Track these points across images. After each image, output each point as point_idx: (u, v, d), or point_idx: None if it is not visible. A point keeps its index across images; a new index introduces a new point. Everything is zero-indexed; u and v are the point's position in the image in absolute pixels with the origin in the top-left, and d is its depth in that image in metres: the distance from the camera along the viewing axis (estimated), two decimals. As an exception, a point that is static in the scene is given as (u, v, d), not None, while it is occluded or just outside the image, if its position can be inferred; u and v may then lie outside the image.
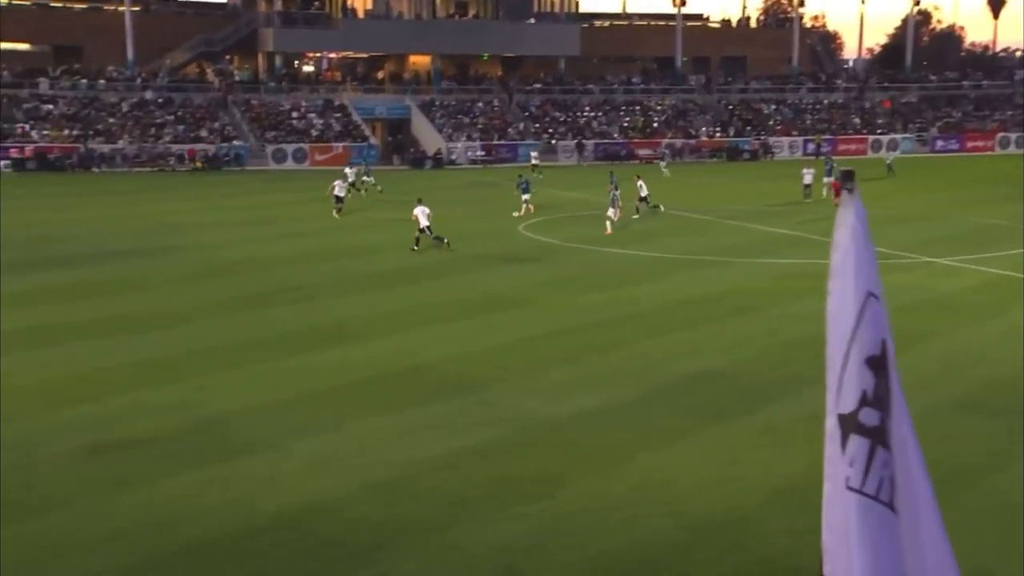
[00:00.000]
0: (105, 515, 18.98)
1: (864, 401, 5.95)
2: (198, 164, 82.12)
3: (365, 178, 70.75)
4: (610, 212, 51.73)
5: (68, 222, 55.21)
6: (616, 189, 53.93)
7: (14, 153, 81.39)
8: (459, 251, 46.31)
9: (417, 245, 46.23)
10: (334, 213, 58.69)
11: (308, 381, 27.00)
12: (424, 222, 46.68)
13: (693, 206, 61.80)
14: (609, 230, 50.72)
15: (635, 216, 56.92)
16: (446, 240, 46.32)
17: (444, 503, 19.38)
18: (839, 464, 5.99)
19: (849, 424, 5.99)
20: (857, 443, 5.95)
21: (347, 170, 69.12)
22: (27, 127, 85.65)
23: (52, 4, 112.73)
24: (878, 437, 5.99)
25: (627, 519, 18.67)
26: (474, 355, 29.44)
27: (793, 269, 41.73)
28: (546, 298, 36.45)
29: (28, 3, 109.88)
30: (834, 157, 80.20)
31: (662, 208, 58.71)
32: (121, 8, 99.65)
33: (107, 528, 18.41)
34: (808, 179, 64.94)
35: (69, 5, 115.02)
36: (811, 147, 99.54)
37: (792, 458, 20.64)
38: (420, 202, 47.52)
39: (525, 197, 59.17)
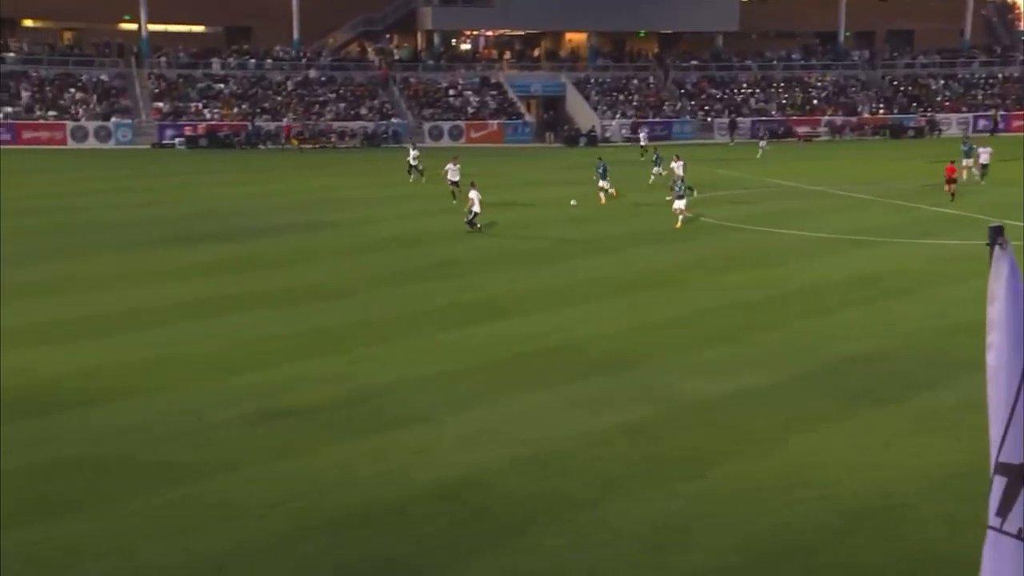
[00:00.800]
0: (269, 481, 19.49)
1: None
2: (294, 142, 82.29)
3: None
4: (678, 204, 47.38)
5: (235, 196, 56.26)
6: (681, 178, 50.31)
7: (188, 131, 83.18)
8: (610, 230, 45.88)
9: (474, 227, 45.50)
10: (453, 201, 53.74)
11: (463, 356, 27.24)
12: (477, 208, 45.34)
13: (852, 184, 60.44)
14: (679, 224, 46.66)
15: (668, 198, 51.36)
16: (479, 226, 45.45)
17: (595, 480, 19.43)
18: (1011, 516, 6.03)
19: (1017, 474, 6.01)
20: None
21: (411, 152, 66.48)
22: (200, 106, 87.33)
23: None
24: None
25: (778, 502, 18.53)
26: (627, 333, 29.33)
27: (955, 251, 40.66)
28: (699, 277, 36.20)
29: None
30: (1000, 134, 75.50)
31: (695, 193, 53.65)
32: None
33: (271, 493, 18.87)
34: (985, 158, 60.80)
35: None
36: (983, 123, 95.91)
37: (950, 446, 20.25)
38: (473, 186, 46.12)
39: (602, 184, 55.23)
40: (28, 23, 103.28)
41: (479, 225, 45.14)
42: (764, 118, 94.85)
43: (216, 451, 20.86)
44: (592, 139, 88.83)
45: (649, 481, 19.36)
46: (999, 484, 6.18)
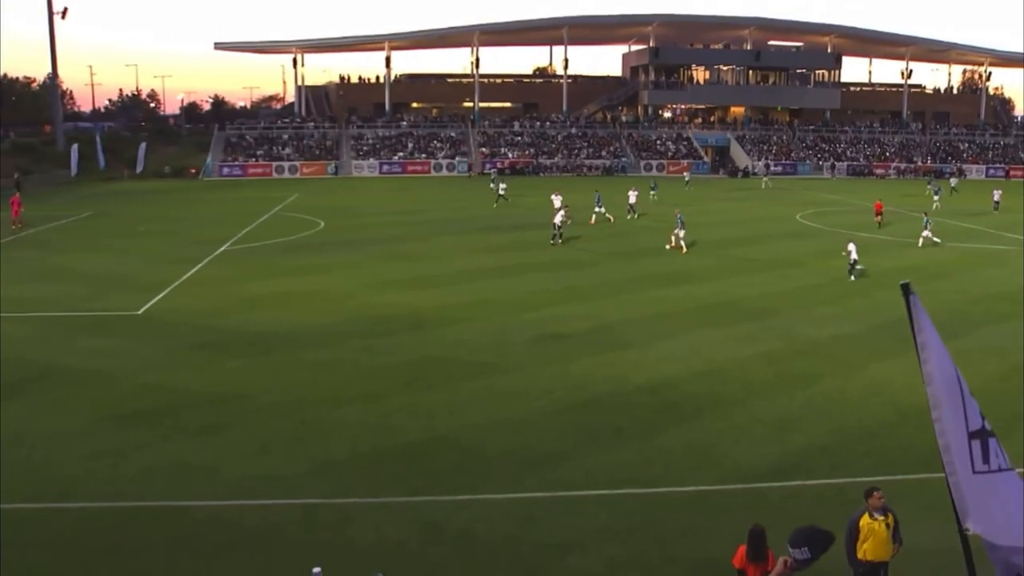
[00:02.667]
0: (543, 378, 19.75)
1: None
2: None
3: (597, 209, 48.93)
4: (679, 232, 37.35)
5: (524, 205, 56.41)
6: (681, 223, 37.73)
7: (498, 164, 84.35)
8: (754, 229, 44.22)
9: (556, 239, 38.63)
10: (628, 216, 47.41)
11: (664, 305, 26.92)
12: (558, 218, 38.70)
13: (907, 207, 55.08)
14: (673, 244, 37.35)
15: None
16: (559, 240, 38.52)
17: (742, 387, 19.10)
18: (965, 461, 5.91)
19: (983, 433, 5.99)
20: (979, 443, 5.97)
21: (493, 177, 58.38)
22: (505, 150, 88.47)
23: (524, 80, 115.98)
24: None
25: (857, 404, 17.97)
26: (768, 295, 28.47)
27: (976, 251, 37.79)
28: (815, 262, 34.62)
29: (511, 80, 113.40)
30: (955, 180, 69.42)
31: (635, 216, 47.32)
32: (560, 80, 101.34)
33: (542, 386, 19.16)
34: (996, 196, 54.99)
35: (533, 80, 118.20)
36: (992, 172, 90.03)
37: (975, 372, 18.85)
38: (559, 196, 43.31)
39: (597, 210, 45.14)
40: (415, 104, 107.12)
41: (559, 239, 38.33)
42: (854, 163, 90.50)
43: (511, 358, 21.24)
44: (745, 173, 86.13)
45: (777, 389, 18.90)
46: (976, 446, 5.87)
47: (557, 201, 44.27)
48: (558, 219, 38.94)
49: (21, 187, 65.96)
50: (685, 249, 36.61)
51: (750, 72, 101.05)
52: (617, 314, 25.72)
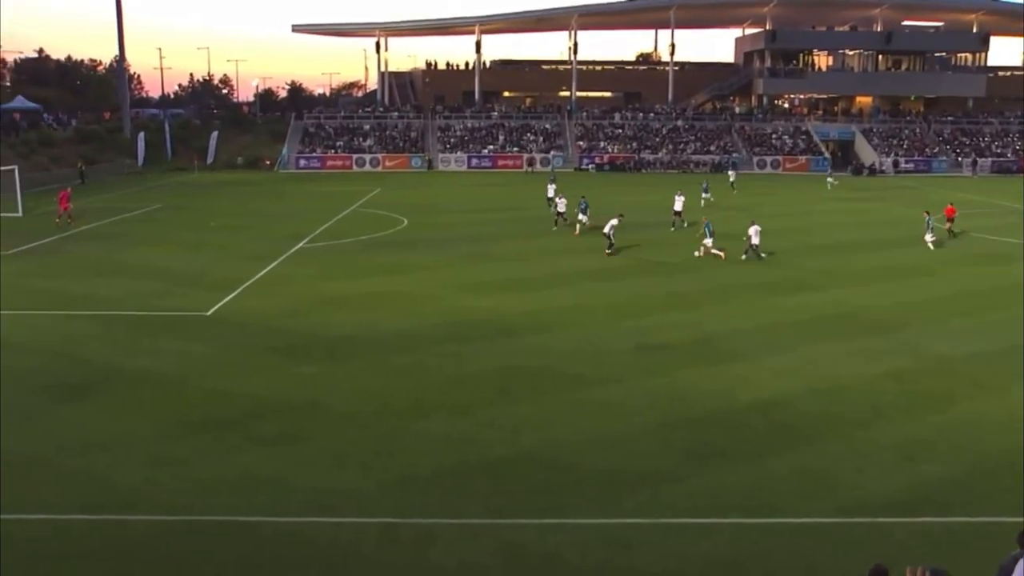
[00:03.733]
0: (640, 392, 19.67)
1: None
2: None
3: (704, 195, 54.50)
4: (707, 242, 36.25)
5: (624, 203, 55.79)
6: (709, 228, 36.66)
7: (596, 160, 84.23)
8: (879, 233, 43.12)
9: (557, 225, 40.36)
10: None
11: (776, 315, 26.55)
12: (585, 219, 40.38)
13: None
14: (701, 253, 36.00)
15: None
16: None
17: (866, 408, 18.65)
18: None
19: None
20: None
21: (549, 186, 52.31)
22: (605, 144, 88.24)
23: (626, 67, 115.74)
24: None
25: (999, 431, 17.34)
26: (894, 306, 27.77)
27: None
28: (947, 270, 33.62)
29: (612, 68, 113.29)
30: None
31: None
32: (666, 67, 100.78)
33: (641, 400, 19.09)
34: None
35: (635, 67, 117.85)
36: None
37: None
38: (584, 200, 41.99)
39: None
40: (506, 93, 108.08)
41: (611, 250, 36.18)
42: (1001, 159, 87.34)
43: (607, 369, 21.18)
44: (872, 171, 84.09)
45: (906, 411, 18.41)
46: None
47: (679, 203, 44.83)
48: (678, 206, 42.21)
49: (85, 177, 68.68)
50: (723, 255, 35.24)
51: (879, 57, 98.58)
52: (724, 324, 25.43)
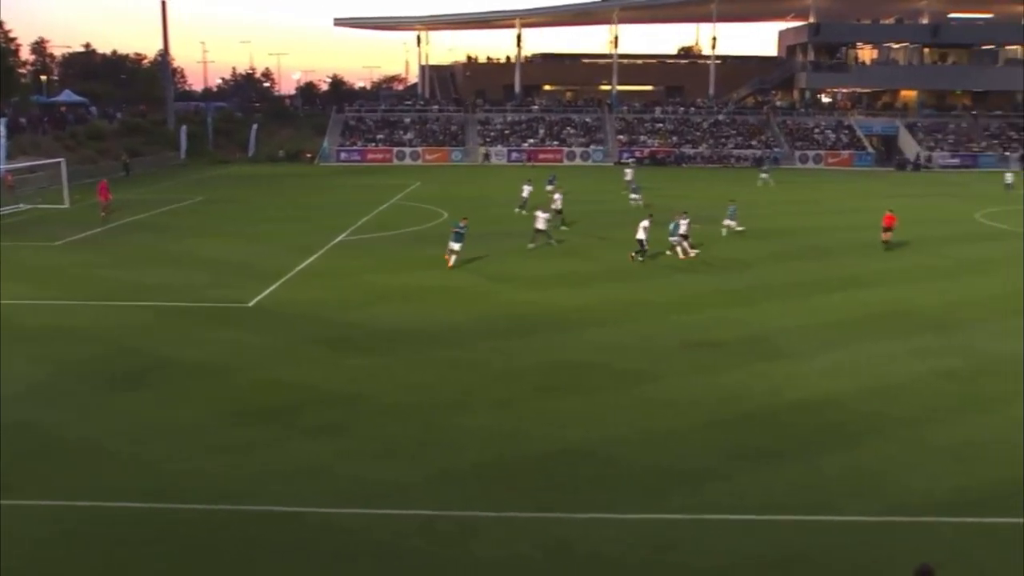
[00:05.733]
0: (689, 388, 19.60)
1: None
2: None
3: (762, 175, 57.97)
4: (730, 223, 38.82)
5: (666, 196, 55.22)
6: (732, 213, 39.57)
7: (637, 154, 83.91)
8: (928, 230, 42.25)
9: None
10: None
11: (827, 313, 26.30)
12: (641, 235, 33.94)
13: None
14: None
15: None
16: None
17: (917, 408, 18.45)
18: None
19: None
20: None
21: (548, 187, 50.59)
22: (646, 138, 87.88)
23: (667, 61, 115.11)
24: None
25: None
26: (947, 304, 27.39)
27: None
28: (1000, 267, 32.95)
29: (653, 61, 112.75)
30: None
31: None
32: (708, 61, 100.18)
33: (690, 397, 19.01)
34: None
35: (677, 60, 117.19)
36: None
37: None
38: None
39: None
40: (547, 87, 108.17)
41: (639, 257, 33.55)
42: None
43: (657, 365, 21.04)
44: (916, 166, 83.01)
45: (958, 412, 18.18)
46: None
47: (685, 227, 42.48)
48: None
49: (129, 169, 69.53)
50: (742, 228, 38.48)
51: (926, 50, 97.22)
52: (775, 321, 25.24)
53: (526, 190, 48.39)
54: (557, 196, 44.09)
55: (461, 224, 32.63)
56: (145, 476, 14.84)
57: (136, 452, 15.79)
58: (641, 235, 33.44)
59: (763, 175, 64.31)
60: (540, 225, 36.20)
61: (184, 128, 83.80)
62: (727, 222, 39.91)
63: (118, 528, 13.19)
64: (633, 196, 50.13)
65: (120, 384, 19.40)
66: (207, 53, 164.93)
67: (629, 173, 58.27)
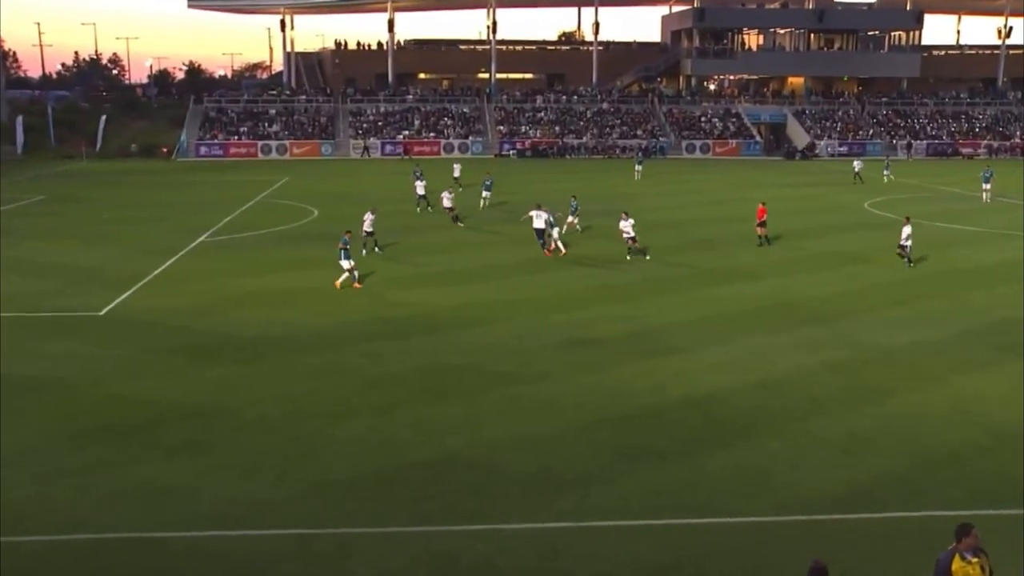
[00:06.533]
0: (571, 389, 19.88)
1: None
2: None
3: (637, 167, 56.52)
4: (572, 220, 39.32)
5: (549, 191, 55.71)
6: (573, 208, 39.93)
7: (518, 145, 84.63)
8: (815, 220, 43.92)
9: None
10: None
11: (712, 306, 26.97)
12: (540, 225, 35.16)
13: (1009, 193, 54.53)
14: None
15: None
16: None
17: (804, 401, 19.12)
18: None
19: None
20: None
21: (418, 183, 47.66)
22: (527, 128, 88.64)
23: (548, 48, 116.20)
24: None
25: (941, 424, 17.92)
26: (832, 296, 28.46)
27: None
28: (886, 257, 34.17)
29: (533, 48, 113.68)
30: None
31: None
32: (591, 48, 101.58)
33: (574, 398, 19.29)
34: None
35: (558, 47, 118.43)
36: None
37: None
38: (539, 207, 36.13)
39: (572, 220, 39.40)
40: (421, 75, 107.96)
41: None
42: (936, 141, 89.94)
43: (536, 366, 21.35)
44: (804, 154, 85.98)
45: (845, 404, 18.90)
46: None
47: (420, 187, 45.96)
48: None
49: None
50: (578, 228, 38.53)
51: (812, 36, 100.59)
52: (658, 316, 25.78)
53: (420, 186, 47.49)
54: (445, 194, 43.90)
55: (345, 238, 29.80)
56: (-22, 506, 14.28)
57: (-30, 479, 15.16)
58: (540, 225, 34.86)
59: (638, 167, 65.57)
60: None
61: (20, 119, 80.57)
62: (571, 219, 39.47)
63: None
64: (485, 193, 48.42)
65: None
66: (44, 35, 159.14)
67: (456, 169, 57.12)
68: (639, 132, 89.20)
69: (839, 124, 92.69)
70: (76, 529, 13.57)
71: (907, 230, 32.35)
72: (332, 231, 37.43)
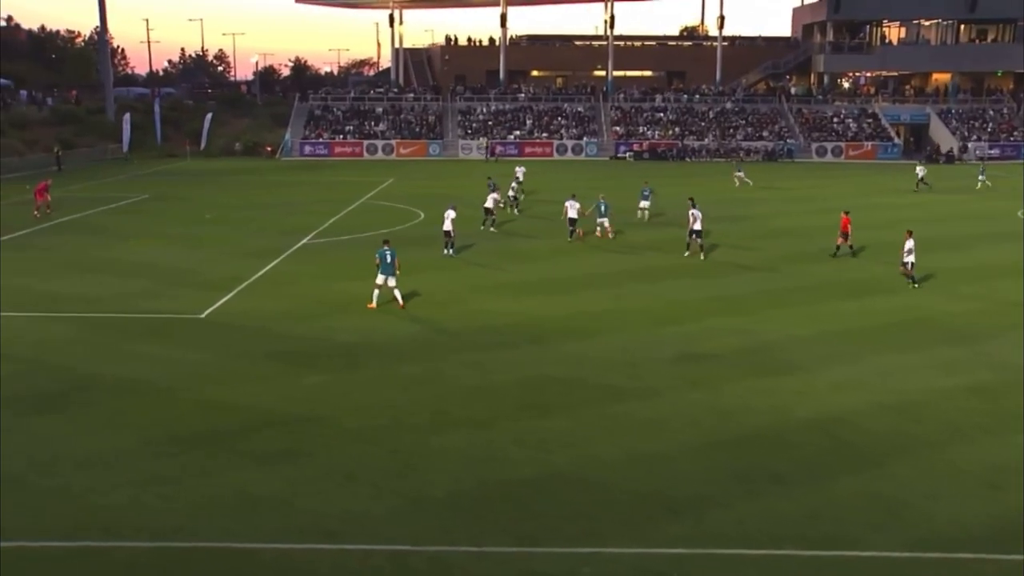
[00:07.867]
0: (684, 405, 19.60)
1: None
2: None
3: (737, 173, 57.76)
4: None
5: (667, 195, 55.24)
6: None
7: (635, 147, 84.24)
8: (958, 229, 42.42)
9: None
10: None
11: (838, 322, 26.39)
12: (572, 213, 38.46)
13: None
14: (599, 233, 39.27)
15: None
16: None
17: (942, 427, 18.47)
18: None
19: None
20: None
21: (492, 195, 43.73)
22: (644, 129, 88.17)
23: (668, 44, 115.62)
24: None
25: (1096, 456, 16.94)
26: (975, 312, 27.53)
27: None
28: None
29: (653, 43, 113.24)
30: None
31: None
32: (714, 44, 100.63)
33: (686, 416, 18.99)
34: None
35: (679, 43, 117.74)
36: None
37: None
38: (574, 197, 39.35)
39: (603, 221, 39.68)
40: (534, 73, 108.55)
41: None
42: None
43: (648, 381, 21.14)
44: (950, 158, 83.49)
45: (988, 432, 18.19)
46: None
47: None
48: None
49: (62, 163, 69.09)
50: (612, 235, 39.34)
51: (961, 27, 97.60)
52: (778, 331, 25.32)
53: (491, 199, 43.36)
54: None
55: (385, 248, 27.48)
56: (70, 511, 14.65)
57: (58, 484, 15.59)
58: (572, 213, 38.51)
59: (738, 173, 63.89)
60: (573, 215, 38.99)
61: (127, 117, 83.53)
62: (601, 220, 39.63)
63: (38, 571, 13.02)
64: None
65: (40, 407, 19.19)
66: (151, 32, 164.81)
67: (520, 172, 54.62)
68: (765, 134, 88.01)
69: (990, 124, 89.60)
70: (169, 537, 13.83)
71: (909, 244, 30.45)
72: (438, 234, 37.97)
